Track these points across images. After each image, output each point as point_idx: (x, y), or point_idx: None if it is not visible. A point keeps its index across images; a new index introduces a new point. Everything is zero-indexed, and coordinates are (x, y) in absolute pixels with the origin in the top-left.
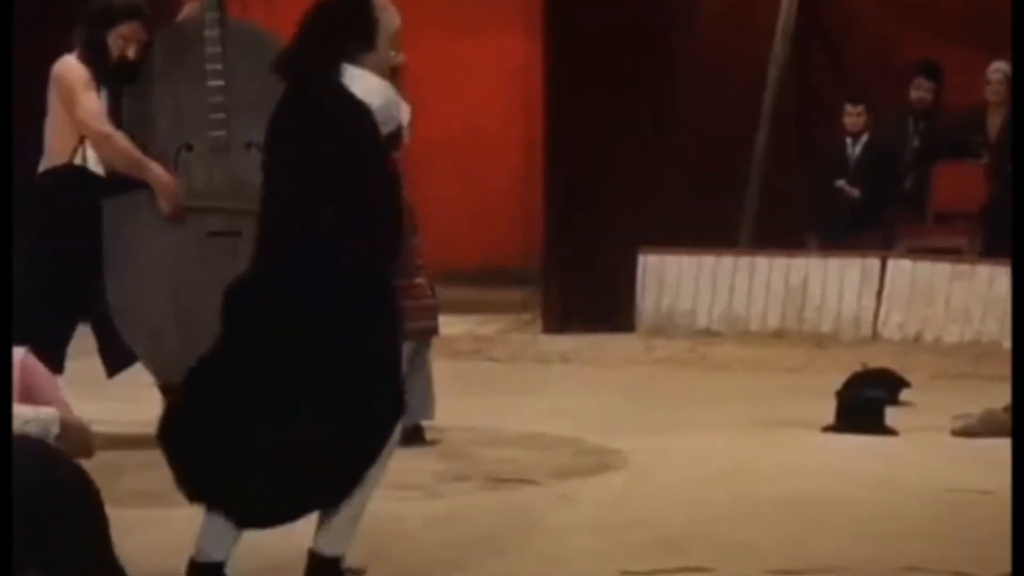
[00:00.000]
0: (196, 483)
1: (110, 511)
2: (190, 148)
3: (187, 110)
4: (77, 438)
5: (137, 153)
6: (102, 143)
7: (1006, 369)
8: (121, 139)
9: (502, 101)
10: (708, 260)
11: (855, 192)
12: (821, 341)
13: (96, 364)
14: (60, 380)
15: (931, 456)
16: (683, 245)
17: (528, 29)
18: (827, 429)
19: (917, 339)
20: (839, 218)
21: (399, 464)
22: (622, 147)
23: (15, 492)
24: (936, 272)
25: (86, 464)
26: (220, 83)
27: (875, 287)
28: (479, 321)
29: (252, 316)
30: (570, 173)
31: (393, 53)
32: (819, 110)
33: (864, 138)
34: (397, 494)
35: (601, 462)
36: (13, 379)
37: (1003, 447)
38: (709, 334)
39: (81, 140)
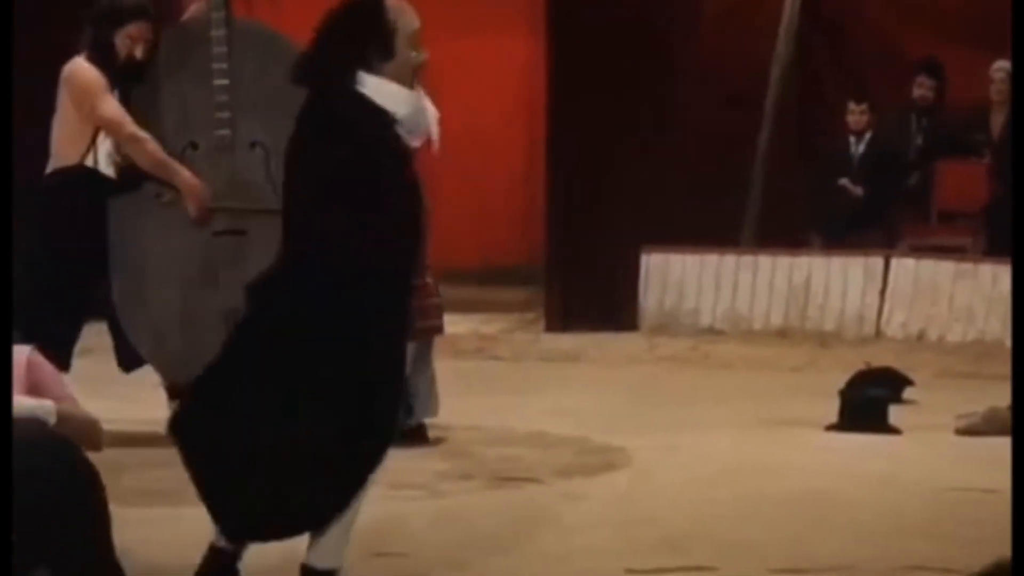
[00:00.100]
0: (201, 485)
1: (112, 508)
2: (195, 147)
3: (193, 109)
4: (85, 432)
5: (164, 155)
6: (130, 146)
7: (1009, 368)
8: (149, 141)
9: (503, 101)
10: (711, 259)
11: (858, 191)
12: (824, 340)
13: (99, 362)
14: (66, 378)
15: (934, 455)
16: (685, 244)
17: (529, 29)
18: (830, 428)
19: (920, 338)
20: (842, 217)
21: (402, 463)
22: (623, 146)
23: (26, 481)
24: (939, 271)
25: None
26: (225, 82)
27: (878, 286)
28: (482, 320)
29: (260, 316)
30: (572, 172)
31: (414, 54)
32: (822, 109)
33: (867, 136)
34: (400, 493)
35: (604, 461)
36: (20, 375)
37: (1007, 446)
38: (712, 333)
39: (92, 142)
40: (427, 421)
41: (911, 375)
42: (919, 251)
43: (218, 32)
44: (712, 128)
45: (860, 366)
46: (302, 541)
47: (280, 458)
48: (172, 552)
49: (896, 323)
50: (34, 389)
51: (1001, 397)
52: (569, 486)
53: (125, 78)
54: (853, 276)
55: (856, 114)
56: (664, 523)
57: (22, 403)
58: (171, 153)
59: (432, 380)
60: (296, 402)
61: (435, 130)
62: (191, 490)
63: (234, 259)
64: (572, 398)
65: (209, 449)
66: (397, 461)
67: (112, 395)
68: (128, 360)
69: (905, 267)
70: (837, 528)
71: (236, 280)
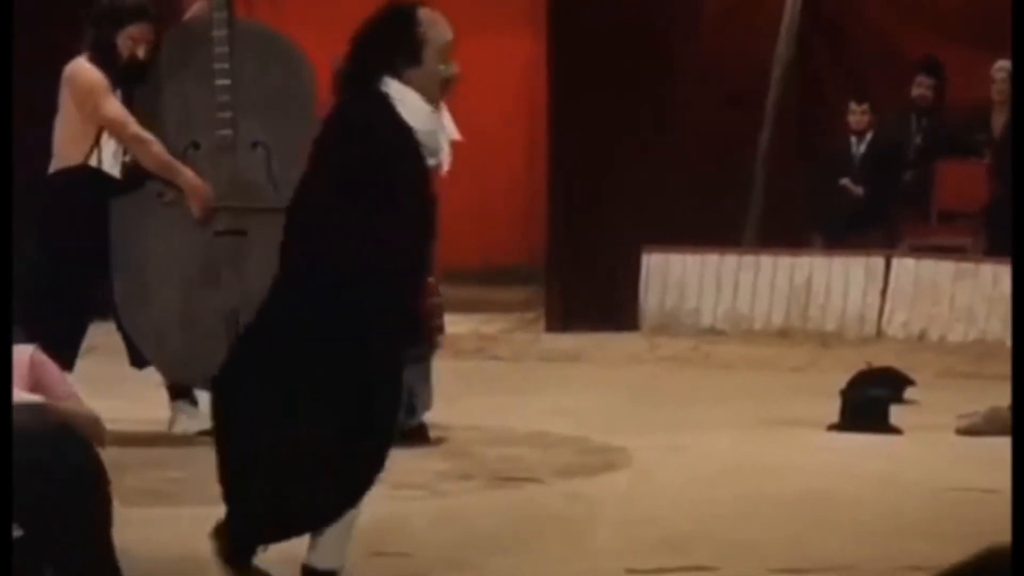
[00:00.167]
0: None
1: (113, 508)
2: (197, 147)
3: (194, 109)
4: (87, 431)
5: (168, 156)
6: (134, 146)
7: (1010, 368)
8: (153, 142)
9: (504, 101)
10: (712, 259)
11: (859, 191)
12: (825, 340)
13: (102, 362)
14: (69, 378)
15: (935, 455)
16: (685, 244)
17: (530, 29)
18: (831, 428)
19: (921, 338)
20: (843, 217)
21: (403, 463)
22: (624, 146)
23: (32, 473)
24: (940, 271)
25: None
26: (227, 82)
27: (879, 286)
28: (482, 320)
29: (261, 316)
30: (572, 172)
31: (443, 67)
32: (822, 109)
33: (868, 136)
34: (400, 493)
35: (605, 461)
36: (23, 374)
37: (1007, 446)
38: (713, 333)
39: (96, 142)
40: (427, 421)
41: (912, 375)
42: (920, 251)
43: (219, 32)
44: (712, 128)
45: (861, 366)
46: (302, 541)
47: (281, 459)
48: (172, 552)
49: (897, 323)
50: (37, 387)
51: (1002, 397)
52: (569, 486)
53: (128, 79)
54: (854, 276)
55: (857, 114)
56: (664, 523)
57: (23, 398)
58: (173, 153)
59: (428, 372)
60: (297, 402)
61: (447, 152)
62: (191, 490)
63: (235, 259)
64: (572, 398)
65: (222, 449)
66: (397, 461)
67: (115, 394)
68: (140, 358)
69: (906, 267)
70: (837, 528)
71: (237, 280)
